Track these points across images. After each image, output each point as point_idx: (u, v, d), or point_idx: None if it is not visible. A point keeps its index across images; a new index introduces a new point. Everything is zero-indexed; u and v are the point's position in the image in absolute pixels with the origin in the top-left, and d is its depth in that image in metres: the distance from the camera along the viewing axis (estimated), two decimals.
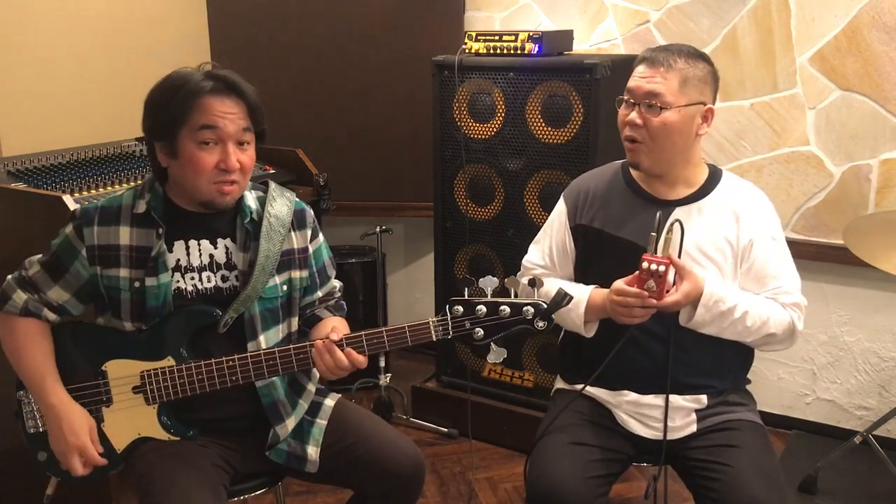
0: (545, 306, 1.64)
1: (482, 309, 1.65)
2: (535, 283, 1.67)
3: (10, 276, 1.79)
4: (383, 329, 1.69)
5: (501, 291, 1.68)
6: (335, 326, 1.79)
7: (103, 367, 1.75)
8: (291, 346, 1.72)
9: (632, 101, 1.83)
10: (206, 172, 1.67)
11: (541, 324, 1.64)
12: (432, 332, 1.67)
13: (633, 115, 1.82)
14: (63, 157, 2.60)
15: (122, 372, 1.74)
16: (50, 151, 2.61)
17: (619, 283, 1.77)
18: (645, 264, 1.72)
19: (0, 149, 2.62)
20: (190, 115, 1.65)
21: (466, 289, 1.69)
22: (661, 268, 1.70)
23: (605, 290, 1.83)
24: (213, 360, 1.71)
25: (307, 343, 1.71)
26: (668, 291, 1.74)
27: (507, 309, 1.64)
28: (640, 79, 1.83)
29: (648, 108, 1.80)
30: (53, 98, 2.79)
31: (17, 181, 2.37)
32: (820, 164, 2.86)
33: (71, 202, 2.15)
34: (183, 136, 1.66)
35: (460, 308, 1.66)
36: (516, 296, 1.67)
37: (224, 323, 1.74)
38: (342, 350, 1.67)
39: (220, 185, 1.69)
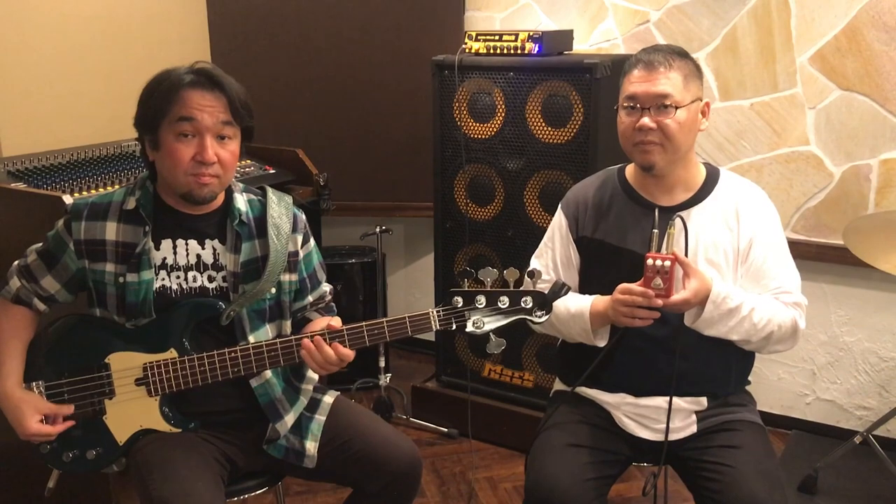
0: (544, 296, 1.64)
1: (481, 300, 1.66)
2: (533, 274, 1.67)
3: (16, 262, 1.85)
4: (384, 320, 1.70)
5: (501, 283, 1.68)
6: (330, 323, 1.79)
7: (106, 360, 1.76)
8: (293, 336, 1.75)
9: (638, 106, 1.79)
10: (183, 164, 1.69)
11: (539, 314, 1.65)
12: (433, 322, 1.68)
13: (647, 121, 1.77)
14: (63, 157, 2.60)
15: (124, 364, 1.76)
16: (50, 151, 2.61)
17: (626, 284, 1.75)
18: (650, 261, 1.70)
19: (0, 149, 2.62)
20: (170, 107, 1.68)
21: (466, 280, 1.69)
22: (667, 263, 1.68)
23: (608, 297, 1.80)
24: (214, 352, 1.73)
25: (309, 333, 1.73)
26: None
27: (506, 299, 1.65)
28: (643, 83, 1.78)
29: (660, 110, 1.77)
30: (53, 98, 2.78)
31: (17, 181, 2.37)
32: (820, 164, 2.86)
33: (71, 202, 2.14)
34: (164, 129, 1.69)
35: (460, 299, 1.67)
36: (515, 287, 1.67)
37: (227, 315, 1.76)
38: (329, 344, 1.69)
39: (198, 177, 1.70)
